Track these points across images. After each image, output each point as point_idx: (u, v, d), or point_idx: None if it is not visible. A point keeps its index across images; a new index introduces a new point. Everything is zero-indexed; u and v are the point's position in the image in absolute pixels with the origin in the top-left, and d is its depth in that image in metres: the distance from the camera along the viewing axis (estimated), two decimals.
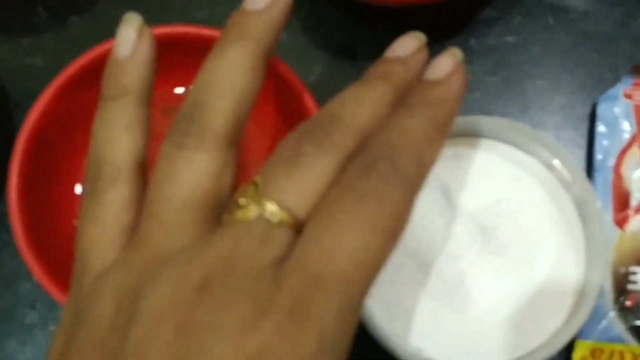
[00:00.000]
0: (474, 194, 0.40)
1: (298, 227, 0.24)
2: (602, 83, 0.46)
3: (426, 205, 0.39)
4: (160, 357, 0.21)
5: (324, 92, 0.47)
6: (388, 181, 0.24)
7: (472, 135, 0.41)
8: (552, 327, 0.37)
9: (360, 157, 0.25)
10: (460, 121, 0.39)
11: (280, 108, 0.43)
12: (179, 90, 0.44)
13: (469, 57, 0.46)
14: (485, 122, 0.40)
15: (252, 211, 0.24)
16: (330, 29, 0.48)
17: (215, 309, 0.22)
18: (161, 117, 0.43)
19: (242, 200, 0.25)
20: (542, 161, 0.40)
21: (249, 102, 0.27)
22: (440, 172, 0.40)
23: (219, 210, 0.26)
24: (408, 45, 0.30)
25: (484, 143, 0.41)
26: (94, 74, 0.32)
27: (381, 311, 0.38)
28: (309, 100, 0.39)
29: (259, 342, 0.21)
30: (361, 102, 0.27)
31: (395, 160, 0.25)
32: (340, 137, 0.26)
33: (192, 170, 0.25)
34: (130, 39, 0.29)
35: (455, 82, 0.29)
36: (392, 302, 0.38)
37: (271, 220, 0.24)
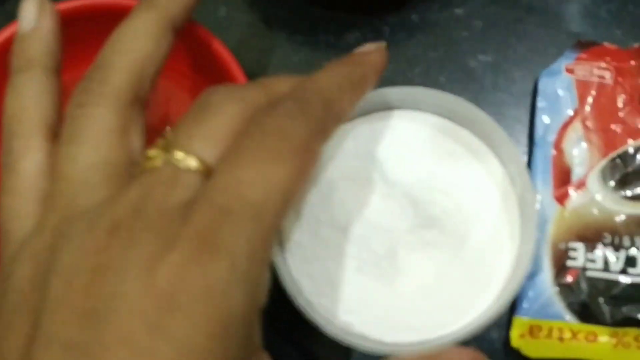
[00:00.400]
0: (407, 167, 0.39)
1: (208, 173, 0.24)
2: (546, 58, 0.45)
3: (357, 179, 0.39)
4: (77, 304, 0.22)
5: (265, 66, 0.46)
6: (292, 116, 0.25)
7: (406, 108, 0.40)
8: (485, 303, 0.37)
9: (273, 99, 0.26)
10: (395, 93, 0.39)
11: (209, 76, 0.42)
12: None
13: (410, 32, 0.45)
14: (420, 94, 0.39)
15: (159, 159, 0.24)
16: (267, 5, 0.47)
17: (125, 248, 0.22)
18: None
19: (151, 153, 0.25)
20: (475, 134, 0.39)
21: (152, 65, 0.28)
22: (372, 145, 0.39)
23: (131, 167, 0.26)
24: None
25: (419, 116, 0.40)
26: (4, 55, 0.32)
27: (310, 286, 0.37)
28: (234, 67, 0.39)
29: (168, 275, 0.21)
30: None
31: (301, 100, 0.26)
32: (244, 88, 0.27)
33: (94, 127, 0.26)
34: (32, 13, 0.30)
35: (374, 54, 0.32)
36: (320, 277, 0.37)
37: (178, 165, 0.24)
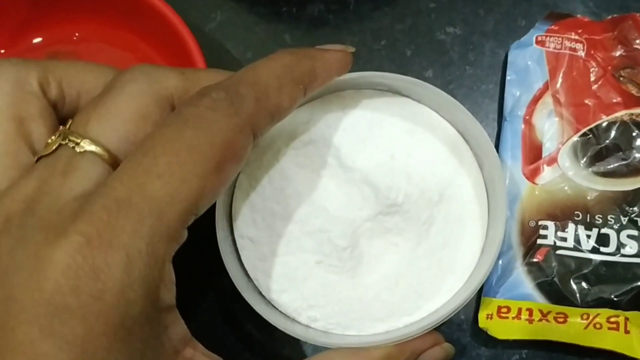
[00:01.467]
0: (366, 151, 0.36)
1: (114, 162, 0.23)
2: (517, 31, 0.44)
3: (313, 167, 0.36)
4: None
5: (224, 39, 0.44)
6: (216, 108, 0.23)
7: (363, 88, 0.38)
8: (452, 289, 0.35)
9: (200, 88, 0.24)
10: (351, 75, 0.36)
11: (163, 48, 0.40)
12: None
13: (376, 3, 0.44)
14: (376, 75, 0.36)
15: (56, 144, 0.23)
16: None
17: (13, 248, 0.21)
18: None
19: (51, 139, 0.24)
20: (437, 112, 0.37)
21: None
22: (329, 130, 0.37)
23: (33, 157, 0.25)
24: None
25: (376, 97, 0.37)
26: None
27: (269, 284, 0.35)
28: (190, 40, 0.37)
29: (55, 276, 0.20)
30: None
31: (232, 91, 0.24)
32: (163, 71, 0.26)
33: None
34: None
35: (334, 53, 0.30)
36: (282, 273, 0.35)
37: (75, 149, 0.23)
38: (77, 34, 0.41)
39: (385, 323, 0.35)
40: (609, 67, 0.42)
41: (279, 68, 0.26)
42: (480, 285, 0.34)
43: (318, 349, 0.40)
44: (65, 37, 0.41)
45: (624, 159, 0.40)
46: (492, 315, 0.39)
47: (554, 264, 0.39)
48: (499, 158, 0.40)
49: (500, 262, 0.39)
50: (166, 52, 0.40)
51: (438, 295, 0.35)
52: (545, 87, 0.42)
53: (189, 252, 0.41)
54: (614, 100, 0.41)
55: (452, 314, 0.33)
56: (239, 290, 0.33)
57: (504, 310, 0.39)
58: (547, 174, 0.40)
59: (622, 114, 0.41)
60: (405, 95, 0.37)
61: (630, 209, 0.40)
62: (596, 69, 0.42)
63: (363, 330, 0.35)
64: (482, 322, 0.39)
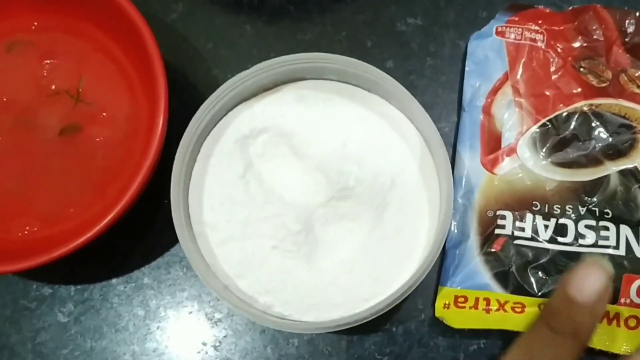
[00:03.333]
0: (319, 138, 0.37)
1: None
2: (477, 22, 0.44)
3: (270, 155, 0.37)
4: None
5: (185, 30, 0.44)
6: None
7: (314, 77, 0.38)
8: (409, 271, 0.35)
9: None
10: (301, 63, 0.37)
11: (120, 38, 0.40)
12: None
13: None
14: (322, 59, 0.37)
15: None
16: None
17: None
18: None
19: None
20: (386, 98, 0.37)
21: None
22: (282, 119, 0.37)
23: None
24: (595, 282, 0.33)
25: (326, 85, 0.38)
26: None
27: (226, 269, 0.35)
28: (146, 32, 0.37)
29: None
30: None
31: None
32: None
33: None
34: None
35: None
36: (239, 259, 0.35)
37: None
38: (35, 23, 0.41)
39: (342, 308, 0.35)
40: (569, 58, 0.41)
41: None
42: (429, 267, 0.34)
43: (281, 332, 0.40)
44: (24, 26, 0.41)
45: (583, 150, 0.40)
46: (449, 304, 0.39)
47: (512, 253, 0.39)
48: (457, 148, 0.41)
49: (457, 251, 0.39)
50: (123, 42, 0.40)
51: (396, 279, 0.35)
52: (505, 77, 0.41)
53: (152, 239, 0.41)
54: (574, 91, 0.41)
55: (404, 298, 0.33)
56: (198, 275, 0.34)
57: (461, 299, 0.38)
58: (506, 164, 0.40)
59: (581, 104, 0.41)
60: (356, 84, 0.38)
61: (589, 199, 0.39)
62: (556, 60, 0.42)
63: (320, 317, 0.35)
64: (439, 311, 0.39)
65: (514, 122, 0.41)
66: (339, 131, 0.37)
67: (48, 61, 0.40)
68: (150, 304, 0.41)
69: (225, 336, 0.40)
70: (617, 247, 0.39)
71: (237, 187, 0.36)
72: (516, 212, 0.39)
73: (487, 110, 0.41)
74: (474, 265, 0.39)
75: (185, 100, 0.42)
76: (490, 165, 0.40)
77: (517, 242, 0.39)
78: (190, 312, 0.41)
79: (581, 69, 0.41)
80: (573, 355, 0.33)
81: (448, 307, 0.39)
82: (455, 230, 0.39)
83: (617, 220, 0.39)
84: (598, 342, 0.38)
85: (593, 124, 0.40)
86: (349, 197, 0.36)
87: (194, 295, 0.41)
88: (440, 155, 0.35)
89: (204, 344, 0.40)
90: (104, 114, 0.39)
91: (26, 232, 0.38)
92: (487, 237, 0.39)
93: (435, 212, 0.36)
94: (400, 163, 0.37)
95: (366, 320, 0.34)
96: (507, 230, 0.39)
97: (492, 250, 0.39)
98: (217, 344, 0.40)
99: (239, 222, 0.36)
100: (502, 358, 0.34)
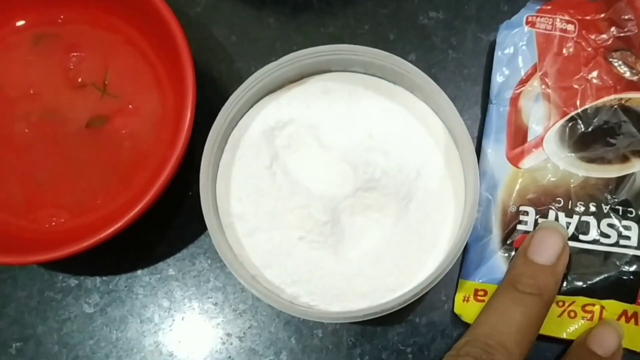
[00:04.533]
0: (344, 130, 0.37)
1: None
2: (499, 16, 0.44)
3: (296, 147, 0.37)
4: None
5: (209, 23, 0.44)
6: None
7: (339, 69, 0.38)
8: (434, 262, 0.36)
9: None
10: (328, 55, 0.37)
11: (149, 34, 0.40)
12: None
13: None
14: (354, 51, 0.37)
15: None
16: None
17: None
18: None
19: None
20: (411, 90, 0.38)
21: None
22: (308, 111, 0.38)
23: None
24: (553, 245, 0.37)
25: (353, 78, 0.38)
26: None
27: (254, 259, 0.36)
28: (175, 28, 0.37)
29: None
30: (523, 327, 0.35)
31: None
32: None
33: None
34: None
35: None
36: (266, 249, 0.36)
37: None
38: (62, 17, 0.41)
39: (368, 299, 0.35)
40: (601, 49, 0.40)
41: None
42: (456, 257, 0.34)
43: (305, 323, 0.40)
44: (51, 19, 0.41)
45: (610, 146, 0.39)
46: (468, 297, 0.39)
47: None
48: (482, 141, 0.41)
49: (479, 245, 0.39)
50: (150, 35, 0.40)
51: (421, 269, 0.35)
52: (534, 69, 0.41)
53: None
54: (604, 84, 0.40)
55: (429, 288, 0.34)
56: (227, 265, 0.34)
57: (481, 293, 0.39)
58: (531, 159, 0.39)
59: (611, 98, 0.40)
60: (380, 77, 0.38)
61: (612, 197, 0.39)
62: (587, 51, 0.40)
63: (346, 307, 0.35)
64: (458, 304, 0.39)
65: (542, 115, 0.40)
66: (364, 123, 0.37)
67: (75, 54, 0.40)
68: (175, 295, 0.41)
69: (249, 327, 0.40)
70: (638, 248, 0.39)
71: (263, 178, 0.37)
72: (539, 208, 0.39)
73: (514, 102, 0.40)
74: (495, 260, 0.39)
75: (208, 94, 0.42)
76: (515, 160, 0.40)
77: None
78: (215, 304, 0.41)
79: (613, 61, 0.40)
80: (539, 312, 0.35)
81: (467, 300, 0.39)
82: (478, 225, 0.39)
83: None
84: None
85: (622, 119, 0.40)
86: (374, 188, 0.36)
87: (218, 287, 0.41)
88: (466, 147, 0.35)
89: (229, 334, 0.40)
90: (130, 106, 0.40)
91: (54, 223, 0.39)
92: (509, 232, 0.39)
93: (461, 204, 0.36)
94: (426, 154, 0.37)
95: (393, 310, 0.34)
96: (529, 227, 0.39)
97: (513, 245, 0.39)
98: (242, 334, 0.40)
99: (266, 213, 0.36)
100: (475, 320, 0.36)
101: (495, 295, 0.37)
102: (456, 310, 0.39)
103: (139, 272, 0.41)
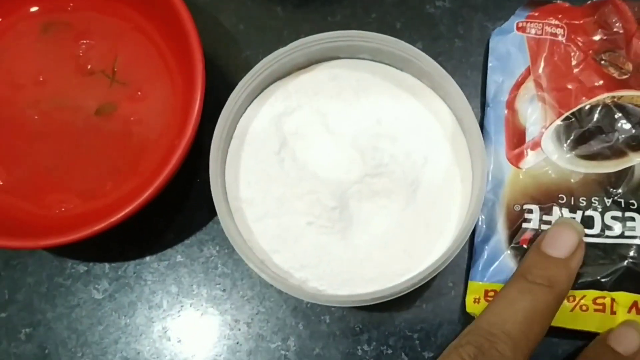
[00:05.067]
0: (352, 117, 0.37)
1: None
2: (504, 5, 0.44)
3: (304, 133, 0.37)
4: None
5: (216, 12, 0.45)
6: None
7: (347, 56, 0.39)
8: (442, 248, 0.36)
9: None
10: (337, 41, 0.37)
11: (159, 22, 0.41)
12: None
13: None
14: (357, 37, 0.37)
15: None
16: None
17: None
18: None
19: None
20: (418, 77, 0.38)
21: None
22: (317, 97, 0.38)
23: None
24: (568, 239, 0.36)
25: (361, 65, 0.38)
26: None
27: (262, 244, 0.36)
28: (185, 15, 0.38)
29: None
30: (529, 317, 0.34)
31: None
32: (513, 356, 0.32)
33: None
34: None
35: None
36: (275, 234, 0.36)
37: None
38: (71, 4, 0.41)
39: (376, 283, 0.35)
40: (590, 51, 0.42)
41: None
42: (463, 242, 0.34)
43: (313, 309, 0.40)
44: (60, 6, 0.41)
45: (606, 142, 0.40)
46: (479, 299, 0.39)
47: None
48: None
49: (486, 246, 0.39)
50: (159, 22, 0.40)
51: (429, 256, 0.36)
52: (527, 72, 0.42)
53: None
54: (596, 84, 0.41)
55: (436, 272, 0.34)
56: (236, 249, 0.34)
57: (491, 293, 0.39)
58: (531, 159, 0.40)
59: (604, 97, 0.41)
60: (388, 63, 0.38)
61: (614, 190, 0.39)
62: (577, 53, 0.42)
63: (354, 292, 0.35)
64: (470, 306, 0.39)
65: (538, 117, 0.41)
66: (372, 109, 0.38)
67: (84, 41, 0.41)
68: (184, 281, 0.41)
69: (257, 313, 0.41)
70: None
71: (272, 164, 0.37)
72: (543, 206, 0.39)
73: (510, 105, 0.41)
74: (503, 260, 0.39)
75: (216, 82, 0.42)
76: (516, 160, 0.40)
77: None
78: (223, 290, 0.41)
79: (602, 62, 0.41)
80: (549, 304, 0.34)
81: (478, 302, 0.39)
82: (484, 225, 0.40)
83: None
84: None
85: (616, 116, 0.40)
86: (382, 174, 0.37)
87: (226, 274, 0.41)
88: (474, 133, 0.35)
89: (237, 320, 0.41)
90: (139, 93, 0.40)
91: (63, 209, 0.39)
92: (515, 231, 0.39)
93: (468, 190, 0.37)
94: (433, 141, 0.37)
95: (401, 294, 0.34)
96: (534, 224, 0.39)
97: (520, 244, 0.39)
98: (250, 320, 0.41)
99: (274, 199, 0.36)
100: (484, 309, 0.35)
101: (504, 286, 0.37)
102: (468, 310, 0.39)
103: (148, 258, 0.42)
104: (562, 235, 0.36)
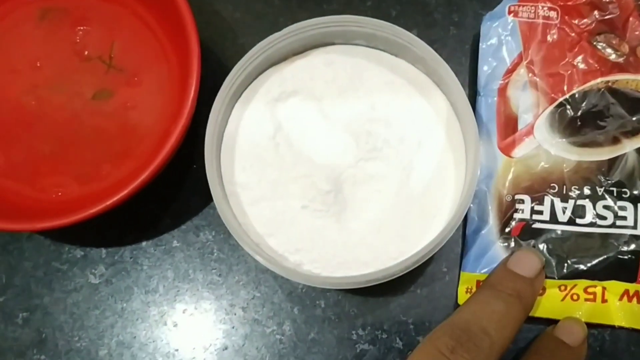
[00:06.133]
0: (347, 102, 0.38)
1: None
2: None
3: (299, 118, 0.38)
4: None
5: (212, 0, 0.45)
6: None
7: (342, 42, 0.39)
8: (435, 231, 0.36)
9: None
10: (332, 26, 0.37)
11: (155, 8, 0.41)
12: None
13: None
14: (352, 22, 0.37)
15: None
16: None
17: None
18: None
19: None
20: (412, 63, 0.38)
21: None
22: (312, 83, 0.38)
23: None
24: (533, 262, 0.37)
25: (356, 51, 0.39)
26: None
27: (257, 227, 0.36)
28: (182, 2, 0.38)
29: None
30: (503, 319, 0.35)
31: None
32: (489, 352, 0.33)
33: None
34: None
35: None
36: (270, 218, 0.36)
37: None
38: None
39: (370, 267, 0.36)
40: (585, 34, 0.41)
41: None
42: (457, 225, 0.34)
43: (308, 294, 0.41)
44: None
45: (600, 128, 0.40)
46: (471, 289, 0.39)
47: (531, 237, 0.39)
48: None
49: (477, 237, 0.40)
50: (155, 8, 0.40)
51: (423, 239, 0.36)
52: (520, 58, 0.41)
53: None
54: (590, 68, 0.40)
55: (430, 254, 0.34)
56: (231, 232, 0.34)
57: None
58: (523, 147, 0.40)
59: (598, 81, 0.40)
60: (383, 49, 0.39)
61: (606, 179, 0.39)
62: (571, 36, 0.41)
63: (349, 274, 0.35)
64: (462, 297, 0.39)
65: (530, 104, 0.40)
66: (367, 95, 0.38)
67: (81, 28, 0.41)
68: (180, 266, 0.42)
69: (252, 298, 0.41)
70: (635, 227, 0.39)
71: (267, 148, 0.37)
72: (534, 196, 0.39)
73: (502, 92, 0.41)
74: (495, 250, 0.39)
75: (212, 68, 0.42)
76: (507, 149, 0.40)
77: (535, 225, 0.39)
78: (219, 275, 0.41)
79: (597, 44, 0.41)
80: (518, 313, 0.36)
81: (470, 292, 0.39)
82: (475, 216, 0.40)
83: (635, 200, 0.39)
84: (621, 319, 0.38)
85: (610, 102, 0.40)
86: (377, 158, 0.37)
87: (222, 259, 0.42)
88: (467, 118, 0.36)
89: (232, 305, 0.41)
90: (136, 78, 0.40)
91: (60, 193, 0.39)
92: (507, 221, 0.39)
93: (461, 174, 0.37)
94: (427, 126, 0.37)
95: (395, 277, 0.34)
96: (526, 215, 0.39)
97: (512, 234, 0.39)
98: (245, 305, 0.41)
99: (269, 182, 0.37)
100: (458, 309, 0.36)
101: (474, 292, 0.38)
102: (460, 301, 0.39)
103: (144, 243, 0.42)
104: (528, 257, 0.38)
